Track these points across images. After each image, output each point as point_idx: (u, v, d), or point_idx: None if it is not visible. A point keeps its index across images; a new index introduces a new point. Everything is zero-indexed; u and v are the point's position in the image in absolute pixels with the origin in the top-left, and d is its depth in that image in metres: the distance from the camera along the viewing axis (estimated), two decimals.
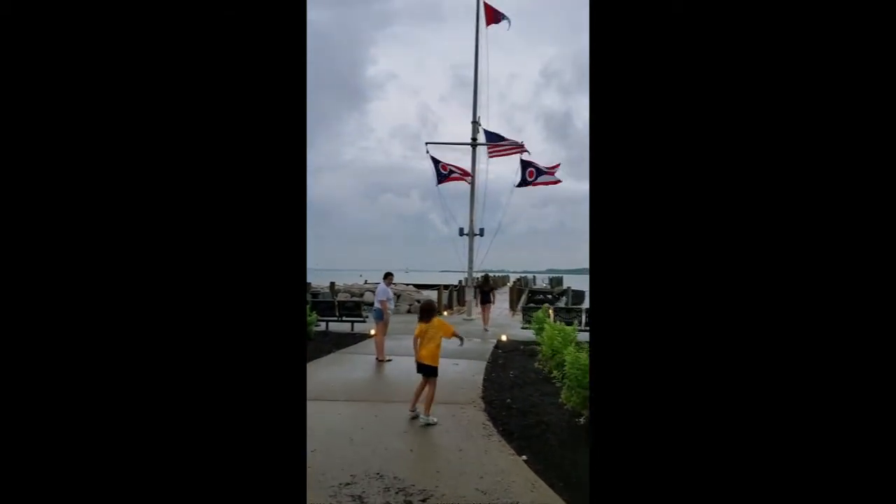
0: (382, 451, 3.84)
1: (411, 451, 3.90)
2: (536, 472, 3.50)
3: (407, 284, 20.33)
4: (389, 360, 7.61)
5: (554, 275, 51.87)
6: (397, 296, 17.06)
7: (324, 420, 4.61)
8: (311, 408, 4.85)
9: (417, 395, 4.83)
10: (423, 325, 4.80)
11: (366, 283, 25.13)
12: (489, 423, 4.63)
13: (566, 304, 25.70)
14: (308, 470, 3.52)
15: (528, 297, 23.21)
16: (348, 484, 3.23)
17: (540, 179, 14.26)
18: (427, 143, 14.53)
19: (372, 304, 16.02)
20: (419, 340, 4.78)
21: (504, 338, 10.19)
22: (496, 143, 14.80)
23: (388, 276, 8.29)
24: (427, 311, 4.91)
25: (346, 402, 5.30)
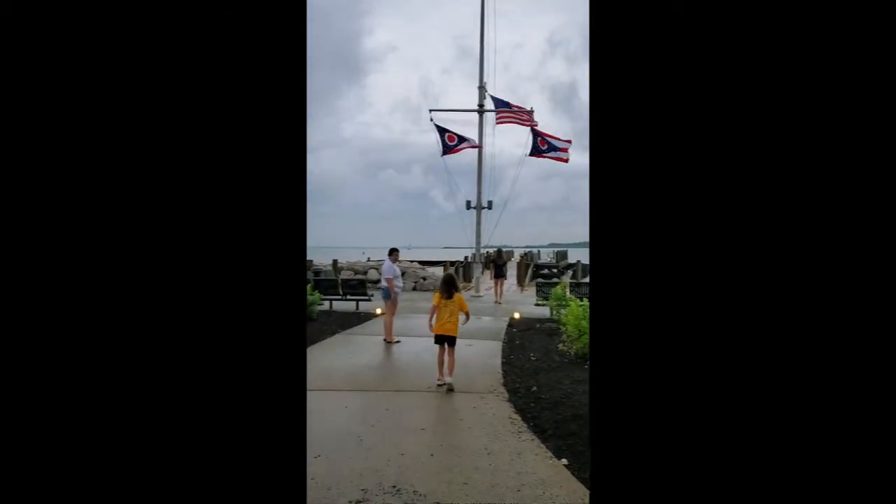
0: (398, 455, 3.27)
1: (432, 455, 3.33)
2: (583, 481, 2.93)
3: (412, 261, 19.64)
4: (398, 342, 7.07)
5: (556, 249, 51.52)
6: (402, 273, 16.51)
7: (328, 415, 4.05)
8: (314, 400, 4.29)
9: (441, 364, 4.92)
10: (444, 300, 5.01)
11: (368, 260, 24.65)
12: (517, 417, 4.06)
13: (572, 278, 25.79)
14: (310, 482, 2.97)
15: (534, 272, 22.77)
16: (360, 502, 2.66)
17: (551, 153, 13.48)
18: (431, 111, 13.73)
19: (377, 282, 15.50)
20: (435, 313, 5.03)
21: (517, 315, 9.62)
22: (504, 108, 14.00)
23: (393, 253, 7.68)
24: (449, 286, 5.12)
25: (353, 393, 4.74)
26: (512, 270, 21.29)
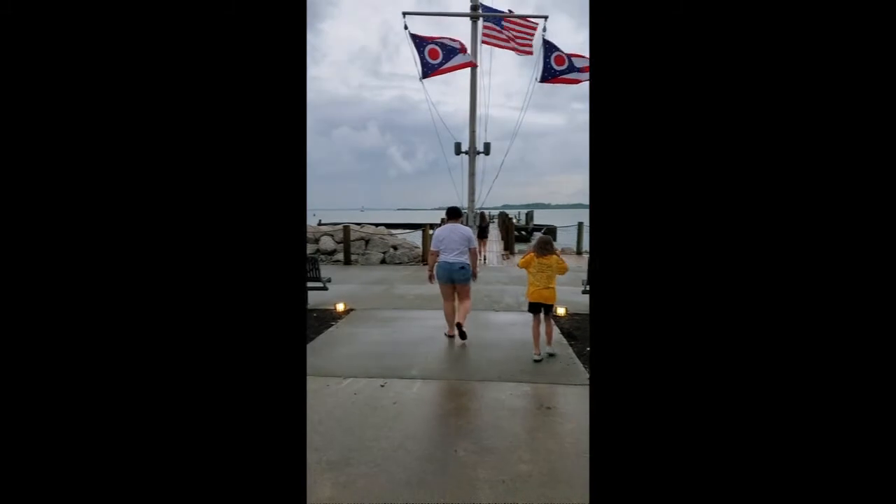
0: None
1: None
2: None
3: (377, 225, 15.73)
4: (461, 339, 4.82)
5: (519, 210, 49.16)
6: (366, 241, 12.72)
7: None
8: None
9: (538, 336, 4.37)
10: (539, 261, 4.39)
11: (320, 223, 20.65)
12: None
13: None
14: None
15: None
16: None
17: (570, 75, 9.90)
18: (405, 14, 9.73)
19: (332, 253, 11.59)
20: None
21: (562, 311, 6.21)
22: (495, 27, 10.21)
23: (454, 216, 4.95)
24: (545, 245, 4.53)
25: None
26: (493, 234, 18.09)
